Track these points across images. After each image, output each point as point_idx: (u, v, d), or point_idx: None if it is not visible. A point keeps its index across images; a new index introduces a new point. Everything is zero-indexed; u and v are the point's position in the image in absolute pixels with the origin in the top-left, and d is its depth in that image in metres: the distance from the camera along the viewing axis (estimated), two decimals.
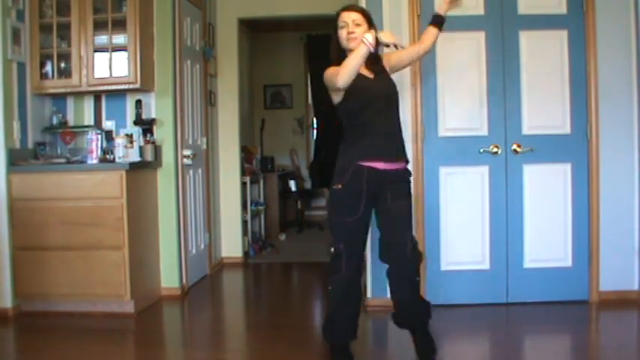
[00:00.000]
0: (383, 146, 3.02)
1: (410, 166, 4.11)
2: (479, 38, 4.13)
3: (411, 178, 3.19)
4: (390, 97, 3.08)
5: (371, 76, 3.07)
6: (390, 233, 3.06)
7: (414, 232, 3.27)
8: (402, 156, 3.12)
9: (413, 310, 3.15)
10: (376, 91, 3.03)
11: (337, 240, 3.05)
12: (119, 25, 4.43)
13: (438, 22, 3.24)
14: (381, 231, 3.10)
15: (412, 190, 3.21)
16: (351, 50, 3.00)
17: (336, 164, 3.10)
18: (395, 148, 3.08)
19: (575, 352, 3.49)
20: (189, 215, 5.07)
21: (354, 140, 3.05)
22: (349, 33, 3.01)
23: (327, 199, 3.20)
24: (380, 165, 3.00)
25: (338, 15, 3.10)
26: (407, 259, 3.04)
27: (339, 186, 3.03)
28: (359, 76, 2.99)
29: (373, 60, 3.07)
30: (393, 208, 3.05)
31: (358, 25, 3.02)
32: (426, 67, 4.13)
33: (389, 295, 4.13)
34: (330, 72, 3.08)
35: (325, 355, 3.45)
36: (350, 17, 3.04)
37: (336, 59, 3.08)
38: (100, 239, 4.13)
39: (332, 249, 3.07)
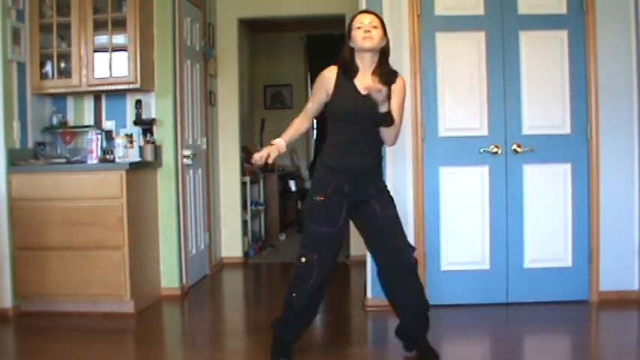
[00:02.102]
0: (359, 163, 3.02)
1: (410, 166, 4.16)
2: (479, 38, 4.13)
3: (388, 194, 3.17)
4: (375, 117, 2.96)
5: (365, 92, 2.98)
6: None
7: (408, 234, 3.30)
8: (371, 179, 3.08)
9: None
10: (364, 109, 2.97)
11: (309, 249, 3.05)
12: (119, 25, 4.43)
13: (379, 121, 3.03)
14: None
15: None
16: (364, 50, 2.99)
17: (315, 173, 3.12)
18: (371, 166, 3.07)
19: (575, 352, 3.49)
20: (189, 215, 5.07)
21: (331, 150, 3.06)
22: (366, 31, 2.98)
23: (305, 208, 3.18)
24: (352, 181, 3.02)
25: (353, 18, 3.10)
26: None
27: (321, 198, 3.03)
28: (353, 89, 3.00)
29: (383, 79, 2.99)
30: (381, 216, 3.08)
31: (375, 27, 3.00)
32: (426, 66, 4.12)
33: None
34: (322, 75, 3.10)
35: (324, 355, 3.46)
36: (367, 19, 3.03)
37: (343, 61, 3.07)
38: (100, 239, 4.13)
39: (302, 258, 3.04)
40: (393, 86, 3.05)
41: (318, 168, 3.12)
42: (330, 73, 3.07)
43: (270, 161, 3.10)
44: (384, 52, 3.06)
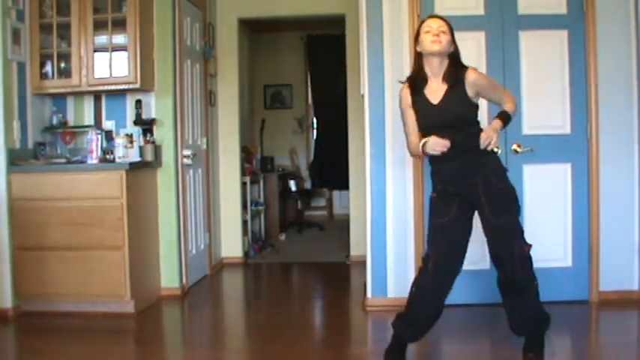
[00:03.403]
0: (455, 169, 3.01)
1: (410, 166, 4.15)
2: (479, 38, 4.13)
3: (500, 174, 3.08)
4: (451, 121, 2.97)
5: (435, 101, 3.00)
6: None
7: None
8: (474, 170, 3.01)
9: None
10: (437, 119, 2.99)
11: (429, 244, 3.11)
12: (119, 25, 4.43)
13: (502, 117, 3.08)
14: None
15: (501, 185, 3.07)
16: (432, 55, 2.98)
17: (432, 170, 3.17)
18: (466, 167, 3.01)
19: (575, 352, 3.49)
20: (189, 215, 5.07)
21: (436, 161, 3.08)
22: (434, 35, 2.96)
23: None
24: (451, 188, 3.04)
25: (422, 23, 3.09)
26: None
27: (434, 195, 3.11)
28: (424, 100, 3.03)
29: (449, 80, 3.00)
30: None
31: (443, 32, 2.98)
32: None
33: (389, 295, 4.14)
34: (401, 104, 3.14)
35: (324, 355, 3.46)
36: (435, 23, 3.02)
37: (414, 70, 3.10)
38: (100, 239, 4.13)
39: (425, 253, 3.12)
40: (468, 83, 2.99)
41: (432, 175, 3.17)
42: (406, 96, 3.10)
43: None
44: (453, 58, 3.04)
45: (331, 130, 8.70)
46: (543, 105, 4.13)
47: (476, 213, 3.09)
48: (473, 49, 4.13)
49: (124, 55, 4.43)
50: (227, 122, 6.05)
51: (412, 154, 3.27)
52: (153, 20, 4.66)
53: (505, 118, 3.05)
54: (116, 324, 4.07)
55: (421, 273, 3.09)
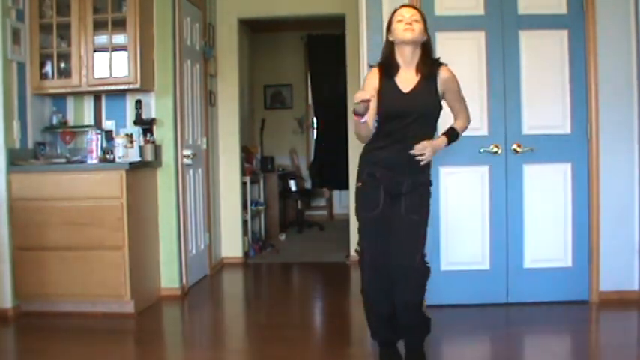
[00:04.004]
0: (395, 160, 2.97)
1: None
2: (479, 38, 4.13)
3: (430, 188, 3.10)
4: (417, 112, 2.94)
5: (406, 89, 2.96)
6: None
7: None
8: (406, 173, 2.99)
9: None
10: (405, 107, 2.94)
11: (360, 238, 3.07)
12: (119, 25, 4.43)
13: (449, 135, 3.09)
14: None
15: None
16: (405, 43, 2.94)
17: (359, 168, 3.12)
18: (410, 164, 2.97)
19: (575, 352, 3.49)
20: (189, 215, 5.07)
21: (372, 141, 3.03)
22: (407, 24, 2.92)
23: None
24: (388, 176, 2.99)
25: (394, 13, 3.04)
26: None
27: (359, 184, 3.06)
28: (394, 87, 2.97)
29: (423, 70, 2.97)
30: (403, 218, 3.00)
31: (416, 20, 2.94)
32: None
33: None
34: (367, 76, 3.08)
35: (324, 355, 3.46)
36: (408, 12, 2.98)
37: (384, 58, 3.05)
38: (100, 239, 4.13)
39: (357, 247, 3.09)
40: (439, 80, 2.98)
41: (360, 161, 3.11)
42: (373, 78, 3.03)
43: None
44: (425, 48, 3.01)
45: (331, 130, 8.69)
46: (543, 105, 4.13)
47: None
48: (473, 49, 4.14)
49: (124, 55, 4.43)
50: (227, 122, 6.05)
51: (358, 135, 3.06)
52: (153, 20, 4.66)
53: (451, 136, 3.06)
54: (116, 324, 4.07)
55: (361, 269, 3.08)
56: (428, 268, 3.07)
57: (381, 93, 3.00)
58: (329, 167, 8.66)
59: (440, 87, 3.00)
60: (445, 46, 4.09)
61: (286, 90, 9.28)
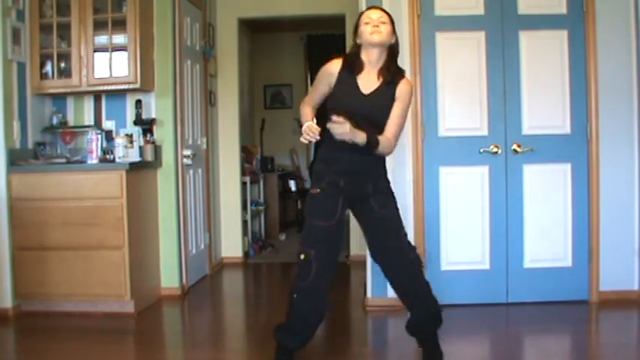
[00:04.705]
0: (356, 162, 2.93)
1: (410, 166, 4.15)
2: (479, 38, 4.13)
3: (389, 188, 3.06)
4: (372, 116, 2.90)
5: (366, 91, 2.93)
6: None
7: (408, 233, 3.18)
8: (369, 178, 2.97)
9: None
10: (361, 109, 2.89)
11: (307, 245, 2.93)
12: (119, 25, 4.43)
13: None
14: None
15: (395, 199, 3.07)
16: (372, 45, 2.91)
17: (314, 168, 3.05)
18: (369, 166, 2.96)
19: (575, 352, 3.49)
20: (189, 215, 5.07)
21: (328, 145, 2.97)
22: (374, 26, 2.90)
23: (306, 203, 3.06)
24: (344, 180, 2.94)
25: (361, 14, 3.03)
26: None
27: (317, 190, 2.97)
28: (354, 85, 2.93)
29: (386, 76, 2.93)
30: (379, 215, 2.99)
31: (383, 22, 2.92)
32: (426, 66, 4.13)
33: (389, 295, 4.14)
34: (325, 68, 3.05)
35: (324, 355, 3.46)
36: (375, 14, 2.95)
37: (349, 56, 3.02)
38: (100, 239, 4.13)
39: (301, 255, 2.93)
40: (398, 90, 2.95)
41: (316, 163, 3.06)
42: (334, 67, 2.99)
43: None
44: (391, 51, 2.98)
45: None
46: (543, 105, 4.13)
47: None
48: (473, 49, 4.14)
49: (124, 55, 4.43)
50: (227, 122, 6.06)
51: (301, 114, 3.09)
52: (153, 20, 4.66)
53: (371, 137, 2.83)
54: (116, 324, 4.07)
55: (300, 277, 2.95)
56: (414, 247, 3.10)
57: (337, 87, 2.96)
58: None
59: (396, 96, 2.95)
60: (445, 46, 4.11)
61: (286, 90, 9.28)
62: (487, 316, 4.00)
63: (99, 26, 4.45)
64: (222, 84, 6.03)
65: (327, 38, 8.70)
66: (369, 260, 4.20)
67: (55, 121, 4.68)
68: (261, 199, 7.38)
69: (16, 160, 4.25)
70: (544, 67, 4.13)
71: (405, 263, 3.01)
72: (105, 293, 4.17)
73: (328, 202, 2.94)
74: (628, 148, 4.14)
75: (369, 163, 2.96)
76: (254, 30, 8.41)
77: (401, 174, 4.16)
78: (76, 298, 4.20)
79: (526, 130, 4.14)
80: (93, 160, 4.32)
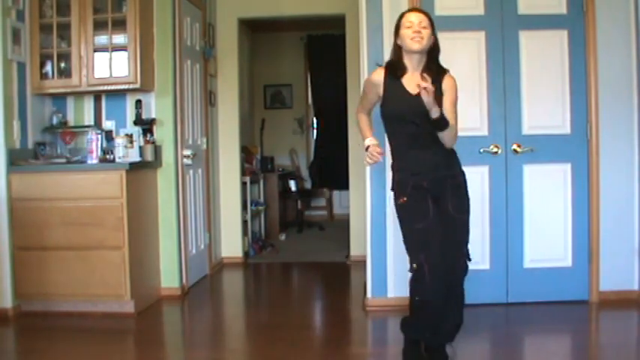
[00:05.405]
0: (431, 159, 2.98)
1: None
2: (479, 38, 4.13)
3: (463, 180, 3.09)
4: (423, 115, 2.89)
5: (414, 92, 2.92)
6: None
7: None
8: (445, 171, 3.02)
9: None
10: (411, 109, 2.93)
11: (414, 252, 2.97)
12: (119, 25, 4.43)
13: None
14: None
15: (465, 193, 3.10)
16: (412, 52, 2.95)
17: (393, 178, 3.10)
18: (444, 158, 3.00)
19: (575, 352, 3.49)
20: (189, 215, 5.07)
21: (399, 153, 3.06)
22: (415, 32, 2.92)
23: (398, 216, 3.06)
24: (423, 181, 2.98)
25: (402, 16, 3.03)
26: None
27: (404, 199, 3.00)
28: (401, 88, 2.98)
29: (430, 76, 2.96)
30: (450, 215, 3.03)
31: (424, 27, 2.95)
32: None
33: (389, 295, 4.14)
34: (369, 79, 3.12)
35: (324, 356, 3.45)
36: (417, 18, 2.97)
37: (391, 62, 3.05)
38: (100, 239, 4.13)
39: (413, 265, 2.95)
40: (444, 85, 2.99)
41: (394, 173, 3.09)
42: (378, 77, 3.05)
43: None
44: (432, 51, 3.02)
45: (331, 130, 8.70)
46: (543, 105, 4.13)
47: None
48: (473, 49, 4.13)
49: (124, 55, 4.43)
50: (227, 122, 6.05)
51: (358, 124, 3.24)
52: (153, 20, 4.66)
53: (443, 117, 2.89)
54: (116, 324, 4.07)
55: (417, 281, 2.96)
56: (469, 258, 3.17)
57: (386, 94, 3.02)
58: (329, 167, 8.66)
59: (444, 93, 2.99)
60: (445, 46, 4.05)
61: (286, 90, 9.28)
62: (487, 316, 4.00)
63: (99, 26, 4.45)
64: (222, 84, 6.03)
65: (327, 38, 8.71)
66: (369, 260, 4.20)
67: (55, 121, 4.68)
68: (261, 199, 7.38)
69: (16, 160, 4.25)
70: (544, 67, 4.13)
71: (455, 272, 3.05)
72: (105, 293, 4.17)
73: (418, 205, 2.98)
74: (628, 148, 4.14)
75: (439, 155, 3.00)
76: (254, 30, 8.41)
77: None
78: (76, 298, 4.20)
79: (526, 130, 4.14)
80: (93, 160, 4.32)
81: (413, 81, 2.96)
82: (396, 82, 3.00)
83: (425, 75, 2.93)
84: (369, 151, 3.01)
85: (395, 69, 3.02)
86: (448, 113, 2.96)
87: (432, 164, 2.98)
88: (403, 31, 2.97)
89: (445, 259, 2.96)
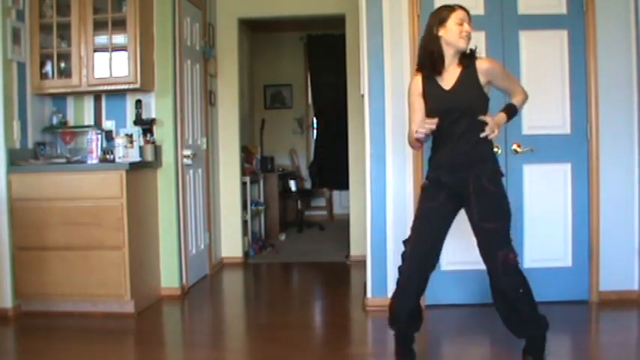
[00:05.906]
0: (452, 159, 2.97)
1: (410, 166, 4.15)
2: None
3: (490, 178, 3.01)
4: (460, 107, 2.93)
5: (447, 87, 2.96)
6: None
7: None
8: (467, 172, 2.95)
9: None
10: (447, 104, 2.94)
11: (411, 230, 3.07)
12: (119, 25, 4.43)
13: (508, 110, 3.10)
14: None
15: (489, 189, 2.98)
16: (458, 48, 2.96)
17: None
18: (460, 158, 2.96)
19: (575, 352, 3.49)
20: (189, 215, 5.07)
21: (434, 150, 3.07)
22: (467, 31, 2.96)
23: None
24: (446, 177, 2.98)
25: (451, 10, 3.01)
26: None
27: (425, 182, 3.10)
28: (436, 86, 2.99)
29: (462, 61, 2.98)
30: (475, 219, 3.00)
31: (470, 26, 3.00)
32: None
33: (389, 295, 4.14)
34: (410, 96, 3.10)
35: (324, 355, 3.45)
36: (466, 17, 3.00)
37: (431, 52, 2.99)
38: (100, 239, 4.13)
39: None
40: (478, 68, 2.97)
41: (428, 163, 3.12)
42: (416, 85, 3.06)
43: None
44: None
45: (331, 130, 8.70)
46: (543, 105, 4.13)
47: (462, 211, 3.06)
48: None
49: (124, 55, 4.43)
50: (227, 122, 6.06)
51: (410, 145, 3.18)
52: (153, 20, 4.66)
53: (510, 111, 3.08)
54: (116, 324, 4.07)
55: (402, 258, 3.08)
56: (514, 266, 3.02)
57: (426, 98, 3.03)
58: (329, 167, 8.67)
59: (482, 78, 2.98)
60: None
61: (286, 90, 9.28)
62: (487, 316, 4.00)
63: (99, 26, 4.45)
64: (222, 84, 6.03)
65: (327, 38, 8.71)
66: (369, 260, 4.20)
67: (55, 121, 4.68)
68: (261, 199, 7.38)
69: (16, 160, 4.25)
70: (544, 67, 4.13)
71: (498, 286, 3.02)
72: (105, 293, 4.17)
73: (430, 190, 3.03)
74: (628, 148, 4.14)
75: (463, 155, 2.96)
76: (254, 30, 8.41)
77: (401, 174, 4.16)
78: (76, 298, 4.20)
79: (526, 130, 4.14)
80: (93, 160, 4.32)
81: (446, 76, 2.98)
82: (432, 81, 3.01)
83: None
84: (419, 125, 2.94)
85: (435, 62, 2.98)
86: (510, 87, 3.10)
87: (450, 163, 2.97)
88: (454, 27, 2.97)
89: (431, 256, 3.04)
